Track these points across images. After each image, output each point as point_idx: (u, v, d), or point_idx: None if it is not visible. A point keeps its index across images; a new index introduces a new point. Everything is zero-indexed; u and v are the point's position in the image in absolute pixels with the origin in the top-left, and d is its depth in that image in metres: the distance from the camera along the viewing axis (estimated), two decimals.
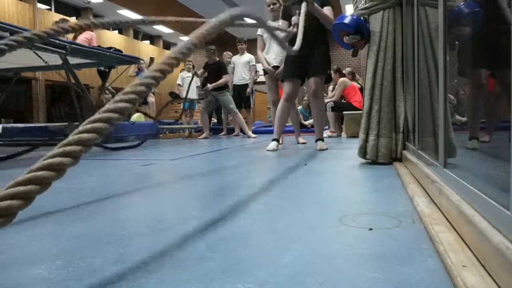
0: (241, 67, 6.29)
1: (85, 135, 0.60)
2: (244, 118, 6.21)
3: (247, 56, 6.29)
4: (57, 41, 3.99)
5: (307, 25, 3.13)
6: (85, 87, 5.34)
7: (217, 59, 6.14)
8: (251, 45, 6.62)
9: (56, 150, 0.58)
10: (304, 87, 3.89)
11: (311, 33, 3.22)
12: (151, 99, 8.10)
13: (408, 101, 2.23)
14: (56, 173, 0.57)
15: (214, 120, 8.05)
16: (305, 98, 7.19)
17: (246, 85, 6.23)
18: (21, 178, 0.56)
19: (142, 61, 8.04)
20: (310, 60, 3.33)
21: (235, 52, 6.50)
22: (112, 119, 0.62)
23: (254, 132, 6.55)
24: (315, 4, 3.19)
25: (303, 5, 3.11)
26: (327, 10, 3.32)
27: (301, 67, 3.39)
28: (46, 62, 4.12)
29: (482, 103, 1.56)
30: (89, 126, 0.60)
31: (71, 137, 0.59)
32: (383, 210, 1.22)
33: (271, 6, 4.28)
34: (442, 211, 1.10)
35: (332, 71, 6.05)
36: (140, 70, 7.94)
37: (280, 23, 4.27)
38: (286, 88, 3.50)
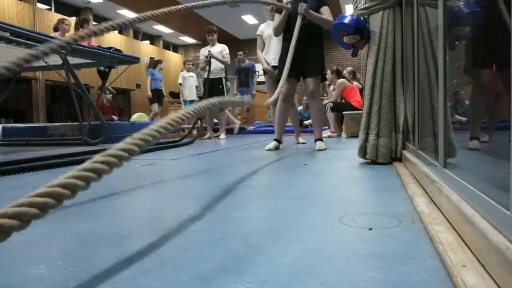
0: (214, 60, 5.50)
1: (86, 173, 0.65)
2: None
3: (219, 46, 5.64)
4: (57, 41, 3.99)
5: (302, 25, 3.19)
6: (85, 87, 5.33)
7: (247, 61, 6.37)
8: (251, 46, 6.59)
9: (59, 180, 0.60)
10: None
11: (306, 33, 3.24)
12: None
13: (408, 101, 2.23)
14: (55, 202, 0.59)
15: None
16: (305, 98, 7.14)
17: (220, 79, 5.66)
18: (21, 200, 0.57)
19: (163, 62, 8.53)
20: (305, 59, 3.34)
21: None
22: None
23: (253, 132, 6.52)
24: (312, 12, 3.25)
25: (299, 18, 3.20)
26: (325, 11, 3.33)
27: (296, 67, 3.30)
28: (46, 62, 4.12)
29: (485, 104, 1.56)
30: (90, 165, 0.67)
31: (74, 173, 0.61)
32: (383, 210, 1.22)
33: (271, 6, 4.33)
34: (442, 211, 1.10)
35: (330, 72, 6.05)
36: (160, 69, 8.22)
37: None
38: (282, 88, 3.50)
